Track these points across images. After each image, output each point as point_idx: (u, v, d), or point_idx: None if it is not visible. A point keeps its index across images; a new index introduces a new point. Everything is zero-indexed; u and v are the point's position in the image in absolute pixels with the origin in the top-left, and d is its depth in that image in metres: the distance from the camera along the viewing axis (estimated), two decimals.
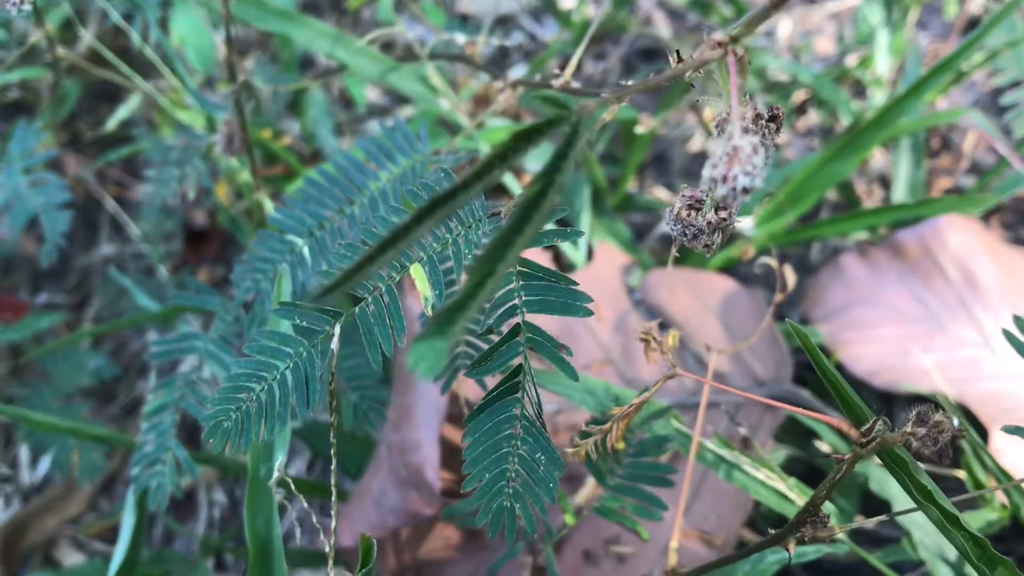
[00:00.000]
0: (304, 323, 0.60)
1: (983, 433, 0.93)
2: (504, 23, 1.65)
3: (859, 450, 0.53)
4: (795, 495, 0.80)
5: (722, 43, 0.42)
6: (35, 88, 1.45)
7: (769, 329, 1.04)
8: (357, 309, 0.58)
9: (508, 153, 0.34)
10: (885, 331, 1.04)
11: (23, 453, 1.22)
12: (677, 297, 1.09)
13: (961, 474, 0.93)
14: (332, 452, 0.66)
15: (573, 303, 0.57)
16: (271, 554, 0.70)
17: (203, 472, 1.16)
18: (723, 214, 0.50)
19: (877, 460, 0.84)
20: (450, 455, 0.90)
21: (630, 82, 0.51)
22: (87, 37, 1.16)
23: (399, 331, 0.58)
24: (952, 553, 0.84)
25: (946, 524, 0.56)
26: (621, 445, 0.74)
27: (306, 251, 0.78)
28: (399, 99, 1.54)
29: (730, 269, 1.22)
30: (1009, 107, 1.18)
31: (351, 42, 1.12)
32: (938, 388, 0.96)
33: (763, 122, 0.47)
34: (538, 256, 1.08)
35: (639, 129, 1.23)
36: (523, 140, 0.34)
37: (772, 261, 0.91)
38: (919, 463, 0.56)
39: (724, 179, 0.38)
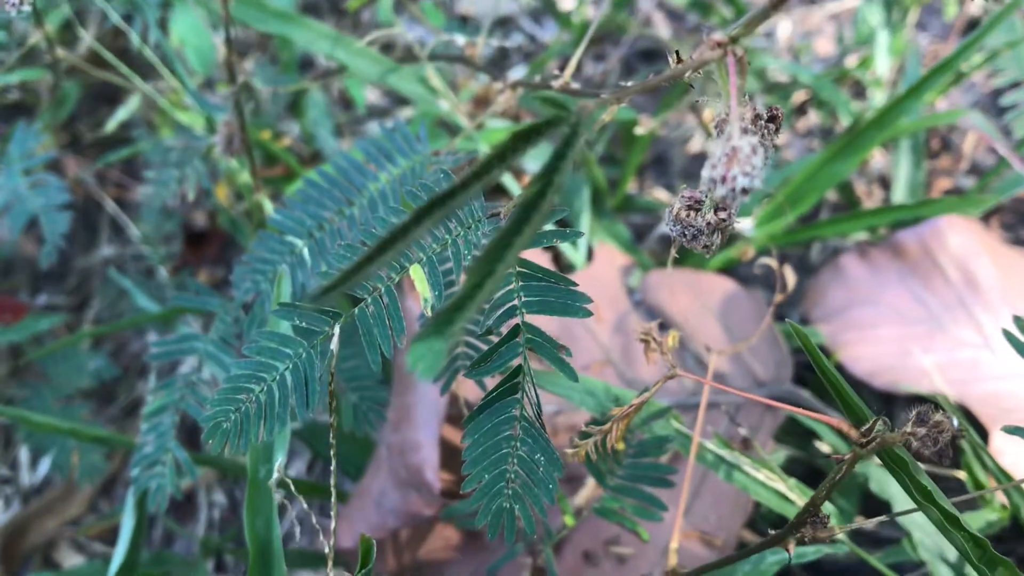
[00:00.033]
0: (303, 324, 0.60)
1: (983, 433, 0.93)
2: (504, 24, 1.65)
3: (859, 450, 0.53)
4: (795, 496, 0.80)
5: (721, 44, 0.42)
6: (35, 89, 1.45)
7: (769, 329, 1.04)
8: (356, 310, 0.58)
9: (507, 153, 0.34)
10: (885, 331, 1.04)
11: (23, 454, 1.22)
12: (677, 298, 1.09)
13: (961, 475, 0.93)
14: (332, 453, 0.66)
15: (573, 304, 0.57)
16: (271, 555, 0.70)
17: (203, 473, 1.15)
18: (722, 215, 0.50)
19: (877, 460, 0.84)
20: (450, 456, 0.90)
21: (630, 83, 0.51)
22: (87, 38, 1.16)
23: (399, 332, 0.58)
24: (952, 554, 0.84)
25: (946, 525, 0.56)
26: (621, 446, 0.74)
27: (306, 252, 0.78)
28: (399, 100, 1.54)
29: (730, 270, 1.22)
30: (1009, 108, 1.18)
31: (351, 43, 1.12)
32: (938, 388, 0.96)
33: (762, 123, 0.47)
34: (538, 257, 1.08)
35: (639, 130, 1.23)
36: (522, 140, 0.34)
37: (772, 262, 0.91)
38: (919, 463, 0.56)
39: (723, 180, 0.38)
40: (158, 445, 0.84)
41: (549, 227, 0.59)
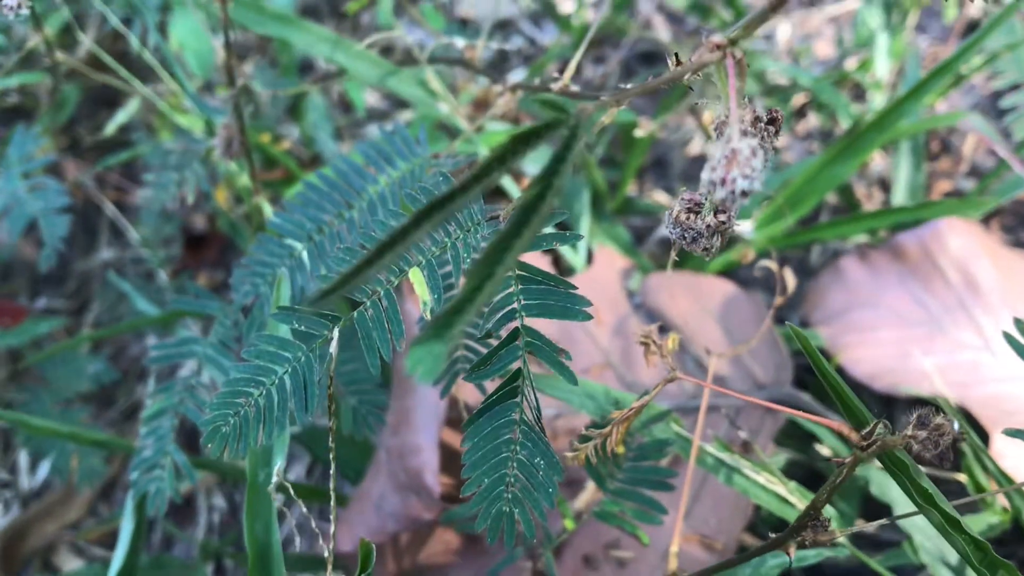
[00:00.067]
0: (303, 327, 0.60)
1: (984, 436, 0.93)
2: (503, 27, 1.65)
3: (860, 453, 0.53)
4: (796, 499, 0.80)
5: (721, 46, 0.42)
6: (34, 93, 1.45)
7: (769, 332, 1.04)
8: (356, 313, 0.58)
9: (507, 155, 0.34)
10: (885, 334, 1.04)
11: (22, 458, 1.22)
12: (677, 301, 1.09)
13: (962, 477, 0.93)
14: (331, 457, 0.65)
15: (572, 307, 0.57)
16: (270, 559, 0.70)
17: (202, 477, 1.15)
18: (722, 217, 0.50)
19: (878, 463, 0.83)
20: (450, 459, 0.90)
21: (629, 85, 0.51)
22: (86, 42, 1.16)
23: (398, 335, 0.58)
24: (953, 557, 0.84)
25: (947, 528, 0.56)
26: (621, 449, 0.74)
27: (305, 255, 0.78)
28: (398, 103, 1.54)
29: (730, 272, 1.22)
30: (1009, 110, 1.18)
31: (350, 46, 1.12)
32: (939, 391, 0.96)
33: (762, 125, 0.47)
34: (537, 260, 1.08)
35: (638, 133, 1.23)
36: (521, 143, 0.34)
37: (772, 264, 0.91)
38: (920, 466, 0.55)
39: (723, 182, 0.38)
40: (157, 449, 0.84)
41: (549, 230, 0.59)
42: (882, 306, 1.07)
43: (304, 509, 0.69)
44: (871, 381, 1.01)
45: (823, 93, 1.34)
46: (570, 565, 0.87)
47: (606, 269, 1.16)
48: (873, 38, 1.38)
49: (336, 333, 0.59)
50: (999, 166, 1.19)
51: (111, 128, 1.24)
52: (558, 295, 0.57)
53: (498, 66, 1.59)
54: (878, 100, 1.35)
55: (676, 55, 0.49)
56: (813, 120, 1.43)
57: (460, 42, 1.07)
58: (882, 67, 1.36)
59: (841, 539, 0.69)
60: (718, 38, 0.43)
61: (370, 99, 1.55)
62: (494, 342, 0.58)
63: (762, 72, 1.43)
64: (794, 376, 1.02)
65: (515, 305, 0.57)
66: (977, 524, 0.88)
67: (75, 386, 1.16)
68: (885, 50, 1.36)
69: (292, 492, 0.70)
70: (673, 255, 0.55)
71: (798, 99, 1.45)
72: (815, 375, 0.60)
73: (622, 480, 0.74)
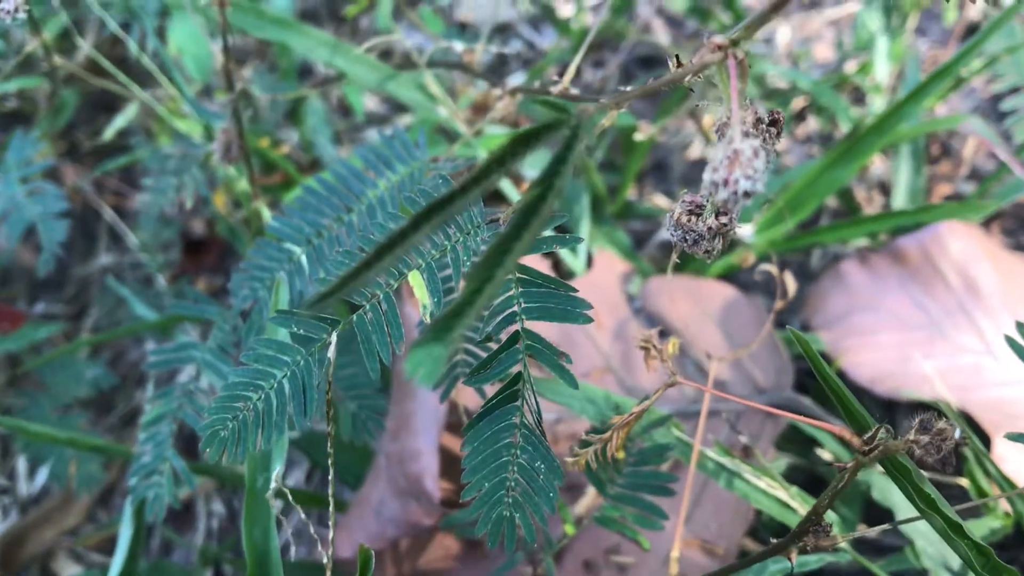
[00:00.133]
0: (301, 331, 0.59)
1: (985, 440, 0.92)
2: (502, 31, 1.65)
3: (861, 458, 0.52)
4: (797, 504, 0.79)
5: (722, 46, 0.42)
6: (32, 98, 1.45)
7: (770, 336, 1.04)
8: (355, 317, 0.58)
9: (506, 158, 0.34)
10: (886, 338, 1.04)
11: (21, 464, 1.21)
12: (677, 304, 1.09)
13: (964, 482, 0.93)
14: (330, 462, 0.65)
15: (572, 310, 0.56)
16: (269, 565, 0.70)
17: (201, 483, 1.15)
18: (724, 219, 0.49)
19: (879, 468, 0.83)
20: (449, 464, 0.90)
21: (629, 88, 0.51)
22: (85, 46, 1.16)
23: (397, 339, 0.57)
24: (956, 562, 0.83)
25: (949, 532, 0.55)
26: (621, 454, 0.73)
27: (304, 259, 0.78)
28: (398, 107, 1.54)
29: (730, 276, 1.21)
30: (1009, 113, 1.18)
31: (349, 50, 1.11)
32: (940, 395, 0.96)
33: (764, 126, 0.47)
34: (537, 263, 1.08)
35: (638, 136, 1.23)
36: (521, 144, 0.34)
37: (772, 268, 0.90)
38: (922, 471, 0.55)
39: (725, 183, 0.38)
40: (156, 454, 0.83)
41: (549, 233, 0.58)
42: (883, 310, 1.07)
43: (303, 515, 0.69)
44: (872, 385, 1.00)
45: (823, 96, 1.33)
46: (571, 570, 0.87)
47: (606, 273, 1.16)
48: (873, 41, 1.38)
49: (335, 337, 0.59)
50: (999, 169, 1.19)
51: (110, 133, 1.24)
52: (559, 298, 0.57)
53: (497, 70, 1.59)
54: (878, 103, 1.35)
55: (676, 56, 0.49)
56: (813, 123, 1.43)
57: (459, 46, 1.07)
58: (882, 70, 1.36)
59: (843, 544, 0.68)
60: (720, 39, 0.42)
61: (369, 103, 1.55)
62: (494, 345, 0.58)
63: (762, 75, 1.43)
64: (795, 380, 1.02)
65: (515, 308, 0.57)
66: (979, 529, 0.88)
67: (73, 391, 1.16)
68: (885, 53, 1.36)
69: (291, 498, 0.70)
70: (674, 257, 0.55)
71: (798, 102, 1.45)
72: (816, 379, 0.59)
73: (623, 485, 0.74)
